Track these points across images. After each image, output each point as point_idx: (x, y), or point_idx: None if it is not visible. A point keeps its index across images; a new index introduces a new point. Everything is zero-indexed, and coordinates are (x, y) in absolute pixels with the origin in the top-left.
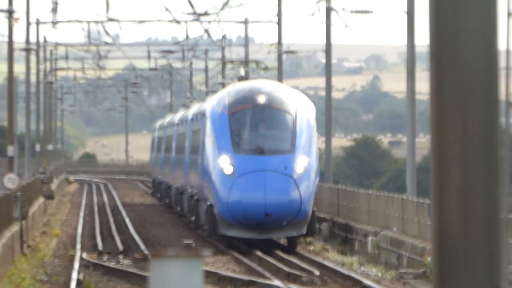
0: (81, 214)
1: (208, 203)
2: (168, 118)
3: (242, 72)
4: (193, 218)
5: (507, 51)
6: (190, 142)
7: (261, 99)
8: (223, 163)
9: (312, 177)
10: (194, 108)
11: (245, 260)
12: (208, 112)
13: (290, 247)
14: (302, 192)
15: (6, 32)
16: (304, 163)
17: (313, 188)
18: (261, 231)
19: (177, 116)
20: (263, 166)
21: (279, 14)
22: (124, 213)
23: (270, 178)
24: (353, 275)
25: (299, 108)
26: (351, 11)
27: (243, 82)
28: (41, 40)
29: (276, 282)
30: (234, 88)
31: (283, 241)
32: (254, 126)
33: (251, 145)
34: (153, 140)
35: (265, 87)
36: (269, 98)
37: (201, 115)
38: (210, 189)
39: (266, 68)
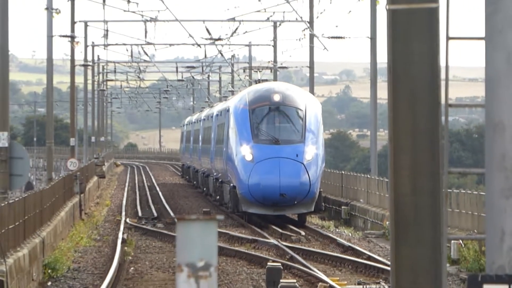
0: (126, 189)
1: (231, 185)
2: (195, 116)
3: (259, 76)
4: (218, 197)
5: (446, 66)
6: (215, 134)
7: (276, 97)
8: (244, 151)
9: (319, 163)
10: (218, 106)
11: (250, 225)
12: (232, 109)
13: (300, 222)
14: (311, 176)
15: (69, 52)
16: (312, 151)
17: (319, 172)
18: (276, 209)
19: (203, 113)
20: (278, 154)
21: (274, 39)
22: (157, 188)
23: (284, 164)
24: (330, 234)
25: (308, 104)
26: (329, 37)
27: (260, 84)
28: (96, 58)
29: (272, 240)
30: (253, 88)
31: (293, 216)
32: (270, 120)
33: (268, 136)
34: (182, 133)
35: (279, 87)
36: (283, 97)
37: (225, 111)
38: (233, 173)
39: (265, 80)
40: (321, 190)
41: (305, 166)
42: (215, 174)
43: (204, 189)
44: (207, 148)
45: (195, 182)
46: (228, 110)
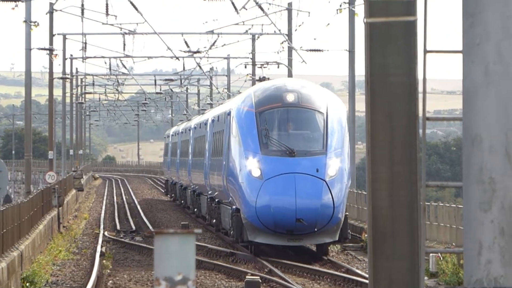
0: (104, 202)
1: (234, 207)
2: (182, 125)
3: (262, 73)
4: (214, 221)
5: (424, 79)
6: (211, 144)
7: (290, 97)
8: (251, 165)
9: (344, 179)
10: (214, 111)
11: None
12: (234, 112)
13: (320, 253)
14: (335, 196)
15: (47, 65)
16: (336, 165)
17: (345, 192)
18: (291, 238)
19: (193, 121)
20: (293, 168)
21: (253, 52)
22: (136, 201)
23: (300, 181)
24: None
25: (330, 106)
26: (307, 50)
27: (269, 81)
28: (74, 71)
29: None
30: (261, 86)
31: (311, 246)
32: (283, 125)
33: (280, 145)
34: (167, 145)
35: (293, 85)
36: (298, 96)
37: (224, 116)
38: (236, 192)
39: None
40: (347, 214)
41: (328, 184)
42: (210, 192)
43: (195, 210)
44: (199, 162)
45: (182, 201)
46: (229, 114)
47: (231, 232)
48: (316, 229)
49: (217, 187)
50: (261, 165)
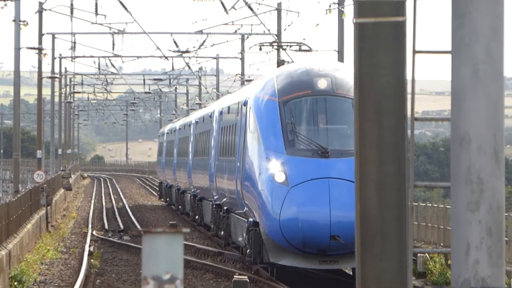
0: (92, 201)
1: (251, 220)
2: (180, 121)
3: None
4: (222, 233)
5: (412, 79)
6: (218, 141)
7: (322, 83)
8: (273, 168)
9: None
10: (222, 101)
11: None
12: (251, 102)
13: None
14: None
15: (36, 64)
16: None
17: None
18: (324, 259)
19: (193, 116)
20: (327, 172)
21: (242, 52)
22: (124, 200)
23: (336, 188)
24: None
25: None
26: (296, 50)
27: (295, 63)
28: (63, 70)
29: (238, 254)
30: (285, 69)
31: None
32: (313, 118)
33: (310, 144)
34: (161, 144)
35: (325, 68)
36: (332, 82)
37: (239, 107)
38: (255, 202)
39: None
40: None
41: None
42: (216, 198)
43: (196, 217)
44: (202, 162)
45: (180, 207)
46: (245, 104)
47: (247, 251)
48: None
49: (228, 193)
50: (286, 168)
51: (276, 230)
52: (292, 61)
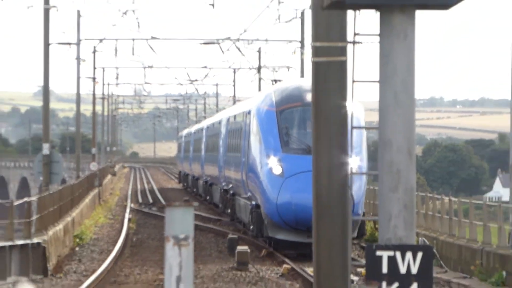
0: (130, 184)
1: (254, 203)
2: (195, 127)
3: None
4: (228, 211)
5: (352, 99)
6: (226, 141)
7: (309, 97)
8: (272, 163)
9: (363, 177)
10: (228, 111)
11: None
12: (254, 111)
13: None
14: (354, 193)
15: (91, 88)
16: (355, 163)
17: (364, 189)
18: (311, 235)
19: (205, 123)
20: None
21: (234, 81)
22: (153, 183)
23: None
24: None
25: (349, 106)
26: (272, 80)
27: (288, 81)
28: (110, 93)
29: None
30: (281, 86)
31: None
32: (303, 124)
33: (300, 144)
34: (180, 144)
35: (311, 85)
36: None
37: (243, 115)
38: (257, 189)
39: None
40: (365, 210)
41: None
42: (223, 184)
43: (207, 197)
44: (212, 156)
45: (194, 190)
46: (249, 113)
47: (251, 226)
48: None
49: (233, 181)
50: (282, 163)
51: (274, 211)
52: (279, 80)
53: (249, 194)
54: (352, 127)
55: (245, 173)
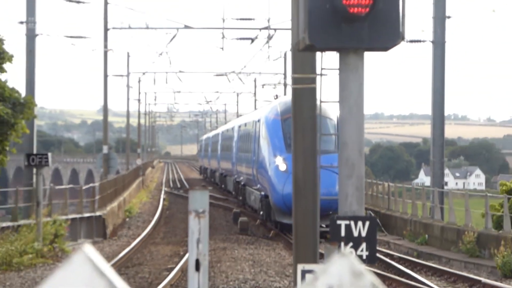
0: (164, 174)
1: (263, 193)
2: (212, 132)
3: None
4: (241, 198)
5: (320, 115)
6: (238, 143)
7: None
8: (278, 161)
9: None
10: (239, 120)
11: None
12: (263, 120)
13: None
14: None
15: (137, 106)
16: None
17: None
18: None
19: (220, 129)
20: None
21: (237, 101)
22: (180, 174)
23: (321, 174)
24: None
25: (318, 118)
26: (265, 101)
27: (289, 96)
28: (150, 110)
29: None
30: (283, 99)
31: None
32: None
33: None
34: (201, 146)
35: None
36: (317, 107)
37: (254, 123)
38: (266, 182)
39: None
40: None
41: None
42: (236, 176)
43: (222, 185)
44: (227, 155)
45: (212, 179)
46: (258, 121)
47: (261, 212)
48: (331, 212)
49: (244, 175)
50: (286, 161)
51: (280, 200)
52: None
53: (259, 186)
54: (321, 134)
55: (255, 169)
